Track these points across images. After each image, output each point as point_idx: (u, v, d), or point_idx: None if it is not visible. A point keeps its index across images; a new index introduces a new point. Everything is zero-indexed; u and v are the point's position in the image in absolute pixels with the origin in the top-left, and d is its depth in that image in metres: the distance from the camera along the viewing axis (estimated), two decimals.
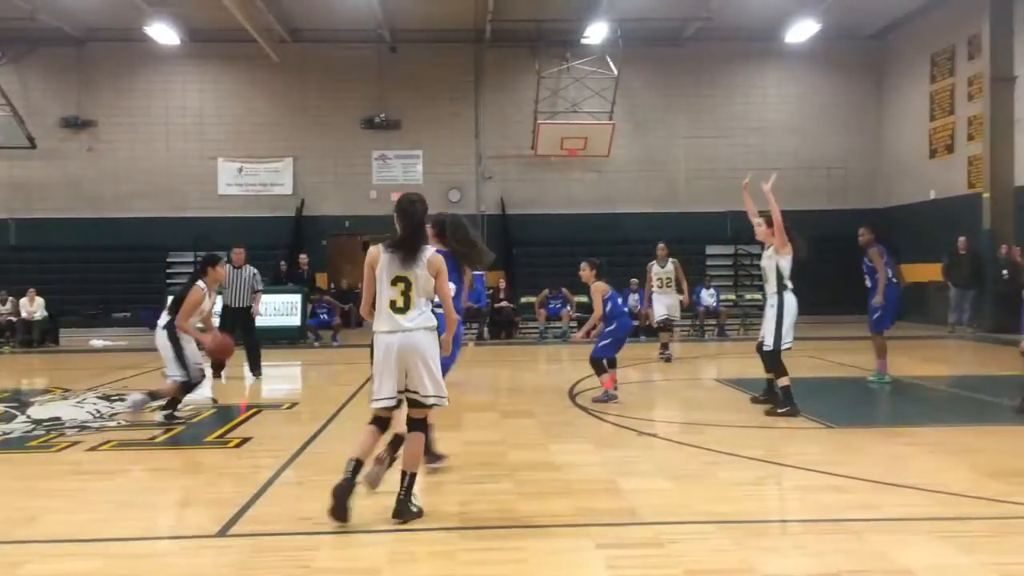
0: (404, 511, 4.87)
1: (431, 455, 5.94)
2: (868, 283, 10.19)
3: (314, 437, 7.44)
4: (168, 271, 21.16)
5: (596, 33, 19.94)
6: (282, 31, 20.42)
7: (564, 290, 18.24)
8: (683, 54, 21.90)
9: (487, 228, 21.70)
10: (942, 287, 17.67)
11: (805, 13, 19.36)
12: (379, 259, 4.90)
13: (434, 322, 4.95)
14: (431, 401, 4.92)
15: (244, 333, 11.79)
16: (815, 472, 5.89)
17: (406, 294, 4.86)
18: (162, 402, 8.19)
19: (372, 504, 5.37)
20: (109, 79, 21.59)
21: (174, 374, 8.12)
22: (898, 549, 4.29)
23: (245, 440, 7.35)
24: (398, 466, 5.09)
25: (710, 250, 21.65)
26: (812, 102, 22.29)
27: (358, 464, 4.90)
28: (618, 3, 18.63)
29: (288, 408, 9.27)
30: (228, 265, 11.87)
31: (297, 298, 17.35)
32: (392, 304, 4.87)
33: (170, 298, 8.59)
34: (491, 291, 19.07)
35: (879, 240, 10.19)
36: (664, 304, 13.45)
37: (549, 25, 20.52)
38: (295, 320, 17.16)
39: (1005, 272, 16.20)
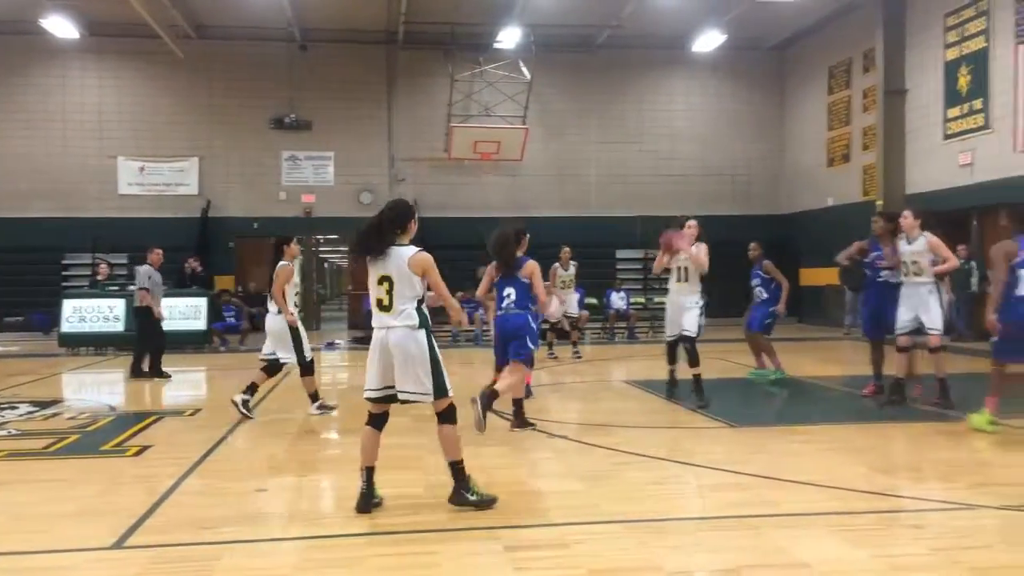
0: (459, 499, 5.13)
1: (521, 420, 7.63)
2: (763, 294, 10.87)
3: (218, 444, 7.27)
4: (64, 273, 20.36)
5: (509, 38, 20.07)
6: (187, 27, 19.87)
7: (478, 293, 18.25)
8: (595, 60, 22.23)
9: None
10: (838, 291, 18.39)
11: (711, 24, 19.90)
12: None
13: (415, 320, 5.06)
14: (411, 398, 5.07)
15: (157, 335, 12.10)
16: (718, 471, 6.06)
17: (390, 293, 5.06)
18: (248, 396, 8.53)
19: (279, 510, 5.28)
20: (2, 74, 20.63)
21: (288, 358, 8.64)
22: (795, 543, 4.45)
23: (145, 448, 7.12)
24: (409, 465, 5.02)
25: (620, 254, 22.05)
26: (718, 110, 22.93)
27: (370, 471, 5.12)
28: (531, 8, 18.78)
29: (191, 415, 9.01)
30: (148, 267, 11.81)
31: (203, 301, 16.89)
32: (379, 303, 5.11)
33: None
34: None
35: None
36: (565, 304, 13.86)
37: (462, 28, 20.55)
38: (200, 324, 16.71)
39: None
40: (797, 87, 22.53)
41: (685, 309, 8.77)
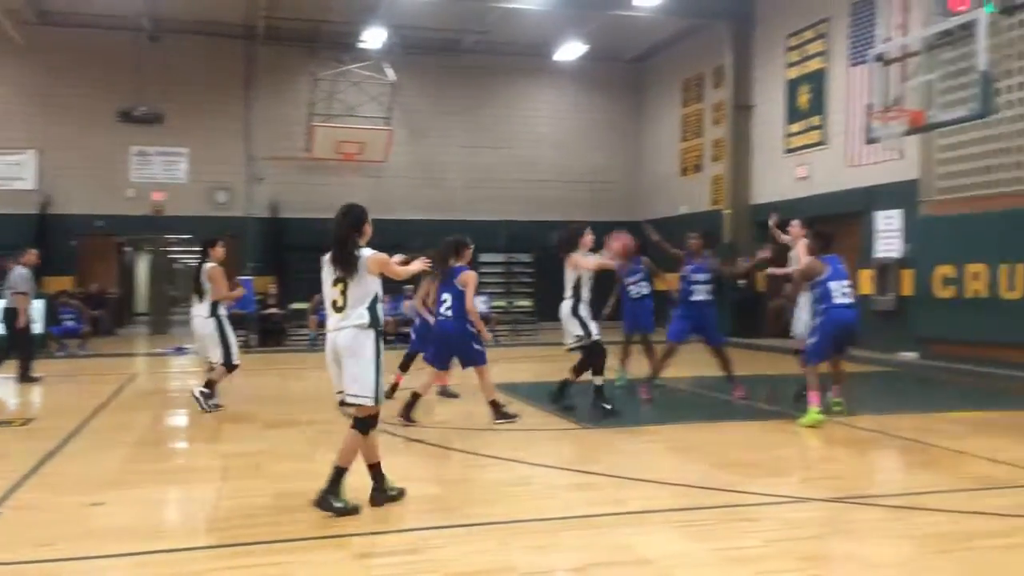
0: (324, 503, 5.02)
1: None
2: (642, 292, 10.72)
3: (51, 455, 6.84)
4: None
5: (373, 38, 19.89)
6: (29, 12, 18.65)
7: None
8: (460, 65, 22.33)
9: (257, 232, 21.00)
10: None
11: (573, 34, 20.40)
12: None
13: (366, 319, 5.09)
14: (356, 401, 5.08)
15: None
16: (569, 471, 6.22)
17: (344, 294, 5.10)
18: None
19: (118, 524, 5.04)
20: None
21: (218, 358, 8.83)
22: (640, 540, 4.62)
23: None
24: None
25: (484, 258, 22.14)
26: (579, 118, 23.48)
27: (376, 467, 5.26)
28: (396, 9, 18.68)
29: (22, 424, 8.45)
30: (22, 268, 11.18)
31: (38, 303, 15.82)
32: (334, 304, 5.15)
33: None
34: (260, 297, 18.44)
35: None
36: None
37: (326, 26, 20.22)
38: (35, 327, 15.61)
39: (742, 282, 17.86)
40: (653, 99, 23.37)
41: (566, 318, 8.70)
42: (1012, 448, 7.06)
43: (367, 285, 5.14)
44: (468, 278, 8.07)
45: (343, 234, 5.18)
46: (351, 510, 5.05)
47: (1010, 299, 11.69)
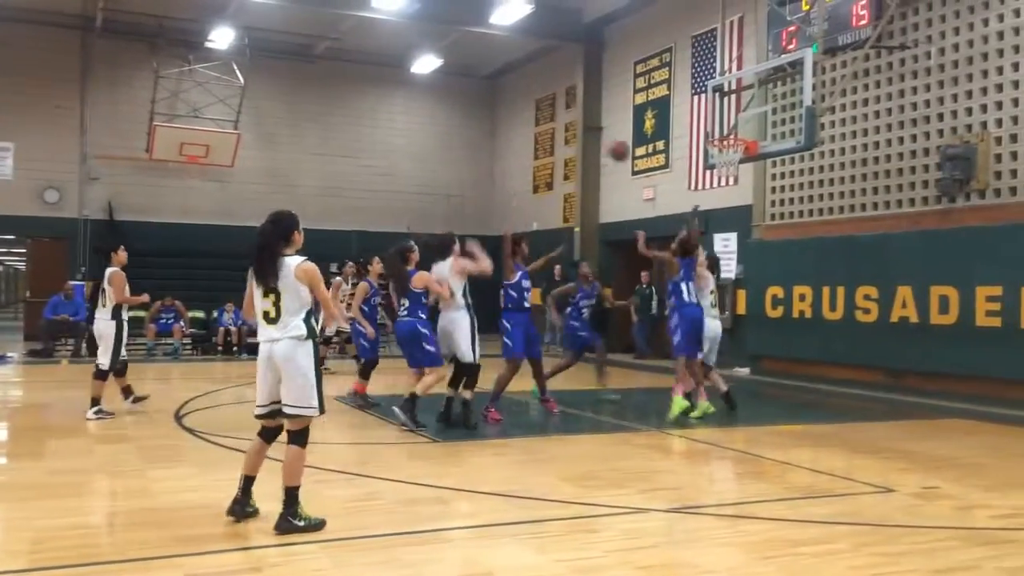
0: (285, 525, 4.89)
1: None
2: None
3: None
4: None
5: (222, 38, 19.24)
6: None
7: (177, 303, 17.17)
8: (313, 71, 21.93)
9: (91, 234, 19.83)
10: (541, 309, 19.53)
11: (428, 47, 20.47)
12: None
13: (303, 331, 4.94)
14: (290, 411, 4.93)
15: None
16: (419, 485, 6.18)
17: (277, 304, 4.93)
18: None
19: None
20: None
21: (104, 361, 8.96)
22: (486, 553, 4.65)
23: None
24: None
25: (335, 267, 21.74)
26: (435, 132, 23.55)
27: (248, 480, 5.09)
28: (246, 10, 18.15)
29: None
30: None
31: None
32: (265, 315, 4.98)
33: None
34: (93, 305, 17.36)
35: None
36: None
37: (170, 23, 19.40)
38: None
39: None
40: (507, 116, 23.75)
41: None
42: (832, 459, 7.60)
43: (300, 296, 4.97)
44: (422, 279, 8.33)
45: (268, 242, 5.00)
46: (317, 525, 4.94)
47: (832, 320, 12.59)
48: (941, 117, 11.45)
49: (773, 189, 14.19)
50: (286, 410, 4.97)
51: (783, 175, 13.98)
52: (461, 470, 6.78)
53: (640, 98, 18.26)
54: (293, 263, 4.99)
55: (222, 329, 17.47)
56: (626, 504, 5.76)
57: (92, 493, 5.79)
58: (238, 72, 20.28)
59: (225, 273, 20.08)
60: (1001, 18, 10.76)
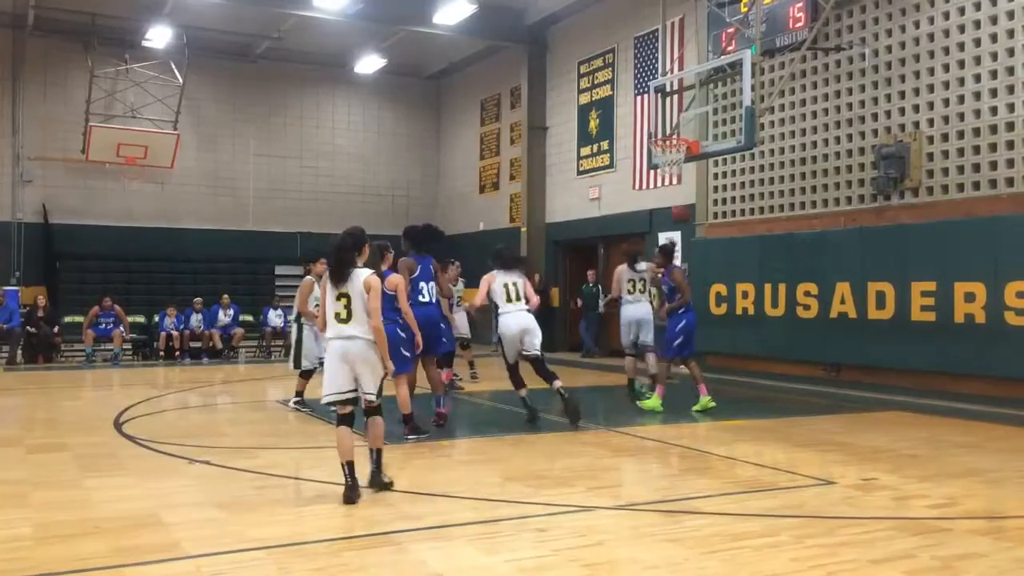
0: (375, 481, 6.00)
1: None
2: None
3: None
4: None
5: (159, 37, 18.86)
6: None
7: (117, 308, 16.77)
8: (254, 71, 21.62)
9: (25, 238, 19.29)
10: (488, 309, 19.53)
11: (371, 47, 20.33)
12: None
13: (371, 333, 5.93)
14: (371, 399, 5.99)
15: None
16: (364, 488, 6.13)
17: (347, 307, 5.87)
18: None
19: None
20: None
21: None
22: (434, 555, 4.63)
23: None
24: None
25: (279, 270, 21.52)
26: (379, 132, 23.39)
27: (350, 465, 5.82)
28: (183, 8, 17.83)
29: None
30: None
31: None
32: (337, 315, 5.89)
33: None
34: (27, 309, 16.90)
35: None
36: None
37: (105, 21, 18.95)
38: None
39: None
40: (452, 116, 23.70)
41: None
42: (774, 452, 7.74)
43: (364, 302, 5.87)
44: (394, 281, 7.76)
45: (344, 253, 5.90)
46: (390, 485, 6.02)
47: (773, 316, 12.83)
48: (876, 117, 11.75)
49: (715, 188, 14.41)
50: (366, 397, 5.96)
51: (725, 174, 14.20)
52: (407, 472, 6.74)
53: (584, 98, 18.38)
54: (363, 275, 5.90)
55: (163, 334, 17.13)
56: (573, 503, 5.80)
57: (27, 504, 5.62)
58: (176, 72, 19.88)
59: (166, 276, 19.76)
60: (932, 20, 11.09)
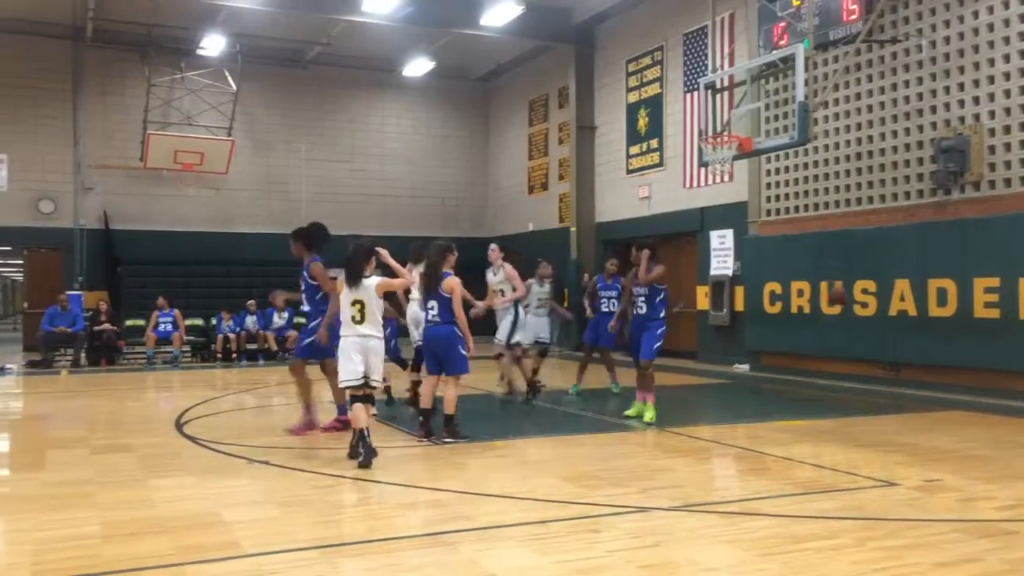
0: (358, 455, 6.92)
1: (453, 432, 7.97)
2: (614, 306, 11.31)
3: None
4: None
5: (213, 45, 19.23)
6: None
7: (176, 311, 17.14)
8: (305, 76, 21.92)
9: (87, 244, 19.82)
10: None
11: (420, 50, 20.46)
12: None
13: (382, 332, 7.28)
14: (377, 385, 7.27)
15: None
16: (418, 488, 6.17)
17: (361, 311, 7.05)
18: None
19: None
20: None
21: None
22: (487, 556, 4.63)
23: None
24: None
25: (331, 272, 21.65)
26: (428, 135, 23.53)
27: (363, 431, 6.90)
28: (236, 17, 18.15)
29: None
30: None
31: None
32: (352, 318, 7.07)
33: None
34: (90, 313, 17.36)
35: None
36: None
37: (160, 31, 19.39)
38: None
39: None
40: (500, 117, 23.74)
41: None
42: (833, 453, 7.59)
43: (379, 305, 7.12)
44: (452, 284, 7.92)
45: (356, 265, 7.05)
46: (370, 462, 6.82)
47: (830, 314, 12.59)
48: (934, 109, 11.46)
49: (768, 185, 14.19)
50: (373, 383, 7.14)
51: (777, 171, 13.98)
52: (460, 473, 6.77)
53: (633, 97, 18.26)
54: (372, 283, 7.06)
55: (220, 336, 17.44)
56: (628, 503, 5.75)
57: (92, 504, 5.76)
58: (230, 79, 20.27)
59: (222, 280, 20.13)
60: (991, 10, 10.77)
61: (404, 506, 5.85)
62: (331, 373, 8.09)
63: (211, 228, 20.90)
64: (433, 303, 8.03)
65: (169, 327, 17.07)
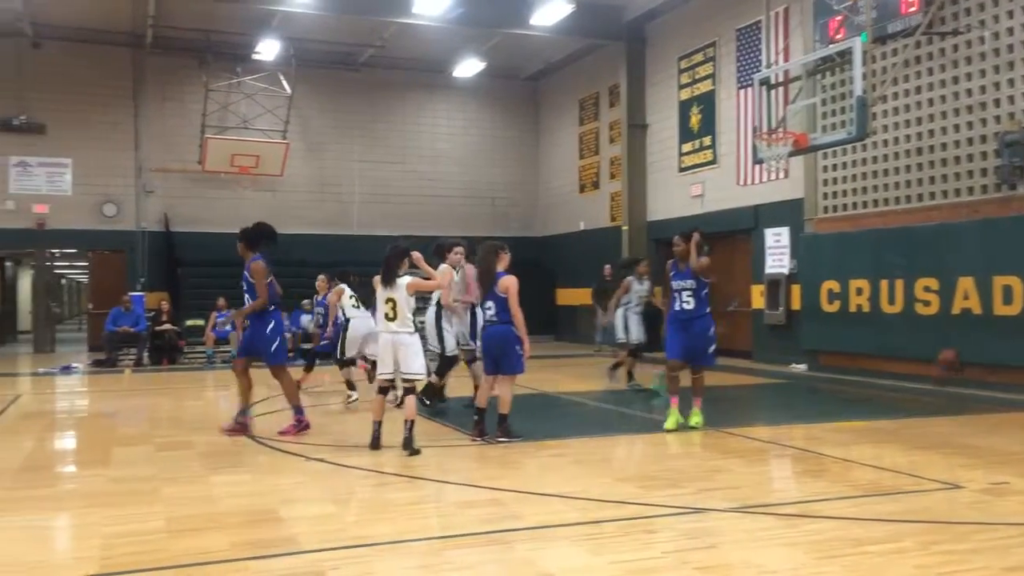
0: (407, 446, 7.31)
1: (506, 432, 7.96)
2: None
3: None
4: None
5: (268, 50, 19.56)
6: None
7: (233, 312, 17.44)
8: (358, 78, 22.15)
9: (148, 245, 20.30)
10: (591, 310, 19.47)
11: (470, 51, 20.53)
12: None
13: (412, 328, 7.56)
14: (414, 377, 7.59)
15: None
16: (474, 487, 6.20)
17: (394, 309, 7.47)
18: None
19: None
20: None
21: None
22: (541, 555, 4.64)
23: None
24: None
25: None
26: (478, 135, 23.60)
27: (379, 424, 7.55)
28: (290, 21, 18.43)
29: None
30: None
31: None
32: (386, 315, 7.50)
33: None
34: (152, 313, 17.79)
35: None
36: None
37: (217, 36, 19.75)
38: None
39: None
40: (550, 117, 23.71)
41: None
42: (894, 455, 7.43)
43: (410, 303, 7.46)
44: (508, 283, 7.87)
45: (391, 265, 7.46)
46: (418, 452, 7.29)
47: (890, 313, 12.33)
48: (997, 103, 11.15)
49: (825, 182, 13.96)
50: (407, 376, 7.55)
51: (835, 167, 13.74)
52: (514, 472, 6.78)
53: (685, 94, 18.09)
54: (404, 282, 7.45)
55: None
56: (684, 504, 5.71)
57: (157, 499, 5.91)
58: (285, 83, 20.59)
59: (278, 281, 20.41)
60: None
61: (459, 504, 5.88)
62: (283, 376, 8.56)
63: None
64: (490, 303, 8.00)
65: (228, 329, 17.37)
